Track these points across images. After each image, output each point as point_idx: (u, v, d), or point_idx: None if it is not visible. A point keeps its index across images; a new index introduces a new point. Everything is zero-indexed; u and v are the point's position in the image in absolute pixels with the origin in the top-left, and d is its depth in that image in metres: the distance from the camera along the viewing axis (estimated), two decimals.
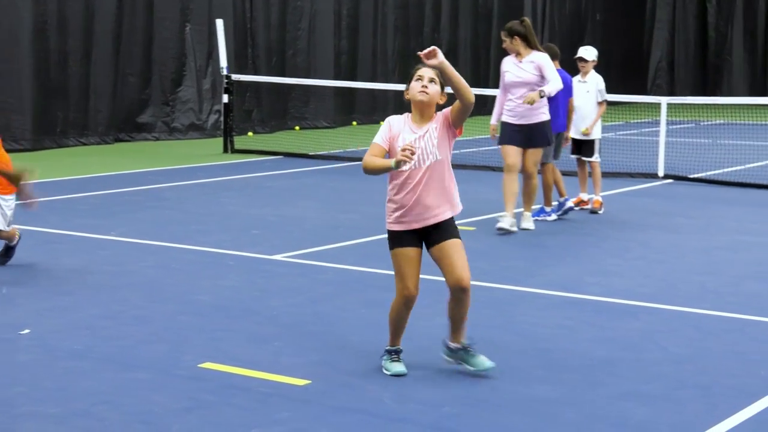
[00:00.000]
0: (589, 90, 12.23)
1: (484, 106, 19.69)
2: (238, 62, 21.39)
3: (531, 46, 10.80)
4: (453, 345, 6.37)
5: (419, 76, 6.28)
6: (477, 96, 17.79)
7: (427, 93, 6.25)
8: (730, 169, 16.22)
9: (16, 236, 9.20)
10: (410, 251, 6.26)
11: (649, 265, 9.56)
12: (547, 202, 11.67)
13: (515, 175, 10.90)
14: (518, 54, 10.80)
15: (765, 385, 6.12)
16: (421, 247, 6.31)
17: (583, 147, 12.29)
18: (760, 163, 17.15)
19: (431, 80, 6.27)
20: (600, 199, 12.22)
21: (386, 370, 6.31)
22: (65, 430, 5.35)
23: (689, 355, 6.75)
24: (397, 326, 6.39)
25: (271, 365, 6.40)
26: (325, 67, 23.96)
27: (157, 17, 20.73)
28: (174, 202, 12.99)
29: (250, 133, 21.41)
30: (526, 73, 10.71)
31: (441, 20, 27.26)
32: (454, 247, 6.25)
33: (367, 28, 25.27)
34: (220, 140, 19.13)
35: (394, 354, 6.39)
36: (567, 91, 11.65)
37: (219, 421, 5.49)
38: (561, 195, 11.79)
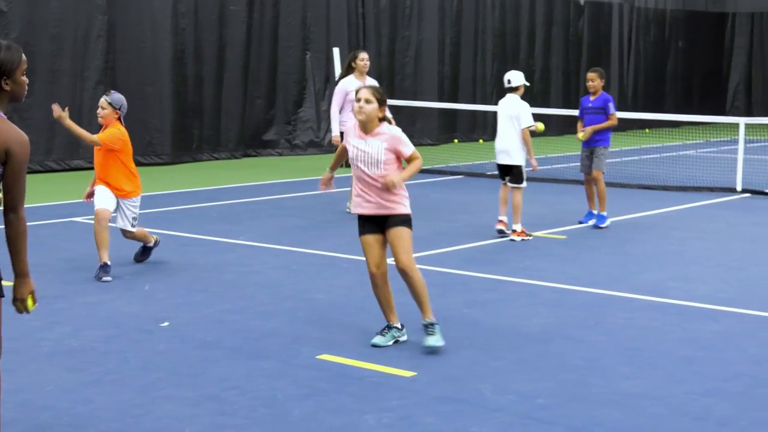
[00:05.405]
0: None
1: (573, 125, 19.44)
2: None
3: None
4: (422, 321, 6.58)
5: (357, 98, 6.54)
6: (568, 116, 17.65)
7: (363, 113, 6.48)
8: None
9: (152, 239, 9.37)
10: (369, 237, 6.62)
11: (728, 272, 9.30)
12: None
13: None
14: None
15: None
16: (379, 233, 6.60)
17: None
18: None
19: (367, 101, 6.48)
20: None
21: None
22: (198, 412, 5.41)
23: (767, 356, 6.54)
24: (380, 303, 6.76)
25: (381, 357, 6.39)
26: (429, 90, 23.95)
27: (281, 46, 20.98)
28: (295, 210, 13.09)
29: None
30: None
31: (535, 48, 27.05)
32: (397, 234, 6.51)
33: (468, 55, 25.20)
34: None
35: (385, 328, 6.71)
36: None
37: (335, 407, 5.49)
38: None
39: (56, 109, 8.71)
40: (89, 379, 5.95)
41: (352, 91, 12.31)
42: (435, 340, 6.47)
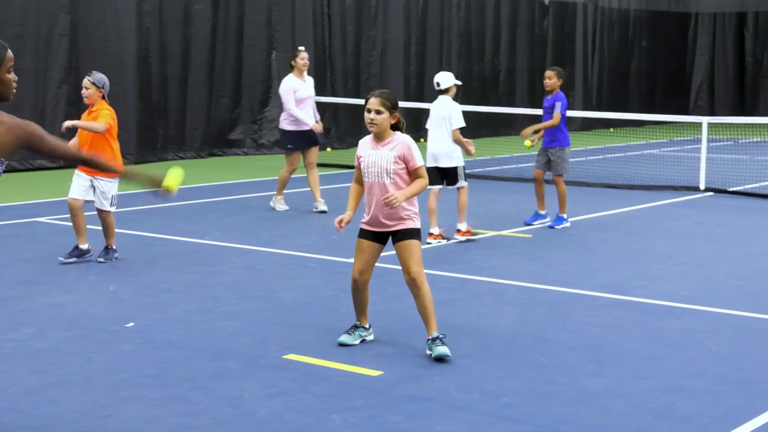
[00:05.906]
0: None
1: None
2: (318, 85, 21.40)
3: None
4: (428, 337, 6.46)
5: (368, 108, 6.44)
6: (532, 115, 17.60)
7: (375, 124, 6.42)
8: (767, 183, 15.91)
9: (113, 244, 9.47)
10: (364, 243, 6.52)
11: (692, 270, 9.39)
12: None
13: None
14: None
15: None
16: (378, 243, 6.53)
17: None
18: None
19: (377, 111, 6.41)
20: None
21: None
22: (163, 413, 5.39)
23: (730, 353, 6.61)
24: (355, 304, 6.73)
25: (347, 357, 6.39)
26: (395, 90, 23.95)
27: (247, 45, 20.91)
28: (261, 210, 13.06)
29: (328, 149, 21.46)
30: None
31: (500, 47, 27.15)
32: (408, 246, 6.40)
33: (434, 54, 25.24)
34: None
35: (352, 327, 6.73)
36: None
37: (301, 407, 5.49)
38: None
39: (66, 125, 9.08)
40: (53, 381, 5.90)
41: (299, 89, 12.58)
42: (446, 350, 6.30)
